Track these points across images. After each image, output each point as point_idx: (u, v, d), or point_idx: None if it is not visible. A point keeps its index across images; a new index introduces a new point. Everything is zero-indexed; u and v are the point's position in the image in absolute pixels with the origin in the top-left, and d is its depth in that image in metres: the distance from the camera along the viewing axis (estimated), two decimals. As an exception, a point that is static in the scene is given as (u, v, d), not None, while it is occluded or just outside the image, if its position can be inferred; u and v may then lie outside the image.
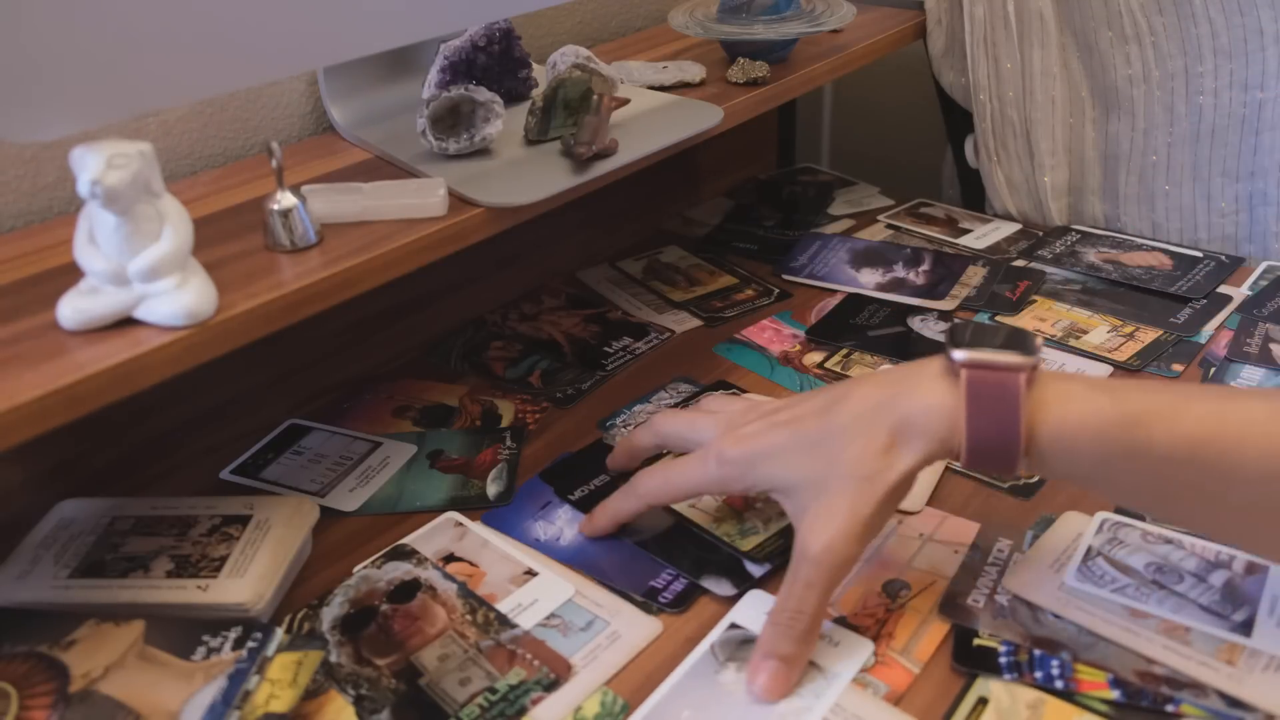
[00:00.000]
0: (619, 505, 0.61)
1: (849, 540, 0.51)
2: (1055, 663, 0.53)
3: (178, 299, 0.51)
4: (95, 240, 0.52)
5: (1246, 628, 0.53)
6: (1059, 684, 0.52)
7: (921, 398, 0.51)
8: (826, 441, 0.53)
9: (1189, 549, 0.58)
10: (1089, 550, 0.59)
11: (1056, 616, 0.55)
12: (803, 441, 0.53)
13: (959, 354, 0.50)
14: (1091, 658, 0.53)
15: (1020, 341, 0.51)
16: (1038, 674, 0.52)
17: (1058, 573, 0.58)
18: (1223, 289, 0.86)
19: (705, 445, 0.57)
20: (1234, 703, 0.50)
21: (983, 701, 0.51)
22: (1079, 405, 0.49)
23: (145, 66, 0.47)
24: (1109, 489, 0.53)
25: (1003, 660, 0.53)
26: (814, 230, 1.02)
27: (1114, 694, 0.51)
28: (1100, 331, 0.81)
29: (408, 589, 0.59)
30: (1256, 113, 0.86)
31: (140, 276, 0.51)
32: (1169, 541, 0.59)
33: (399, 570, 0.60)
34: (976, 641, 0.54)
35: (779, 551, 0.60)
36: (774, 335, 0.84)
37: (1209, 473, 0.47)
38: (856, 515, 0.51)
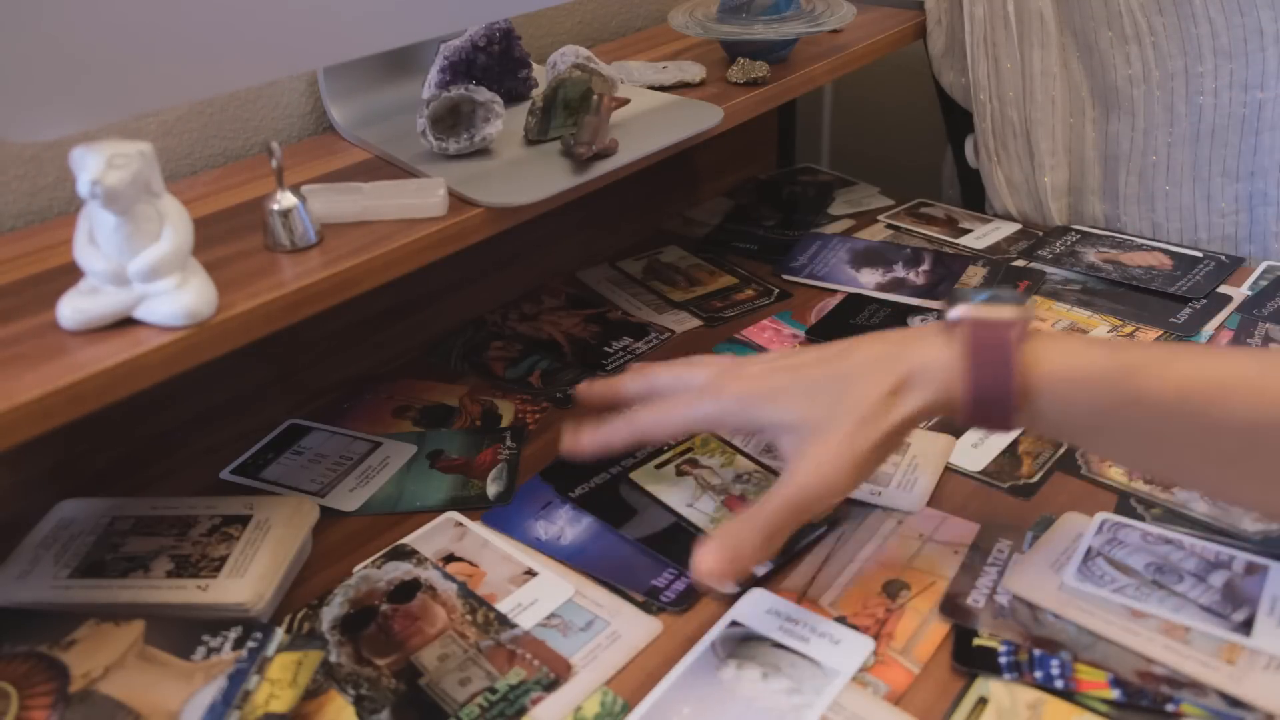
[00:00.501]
0: (610, 432, 0.60)
1: (840, 471, 0.52)
2: (1055, 662, 0.53)
3: (178, 299, 0.51)
4: (95, 240, 0.52)
5: (1246, 627, 0.53)
6: (1059, 684, 0.52)
7: (924, 351, 0.53)
8: (830, 385, 0.54)
9: (1189, 549, 0.58)
10: (1089, 550, 0.59)
11: (1056, 617, 0.55)
12: (806, 384, 0.55)
13: (956, 311, 0.52)
14: (1091, 657, 0.53)
15: (1014, 300, 0.53)
16: (1038, 674, 0.52)
17: (1058, 573, 0.57)
18: (1223, 289, 0.86)
19: (703, 385, 0.58)
20: (1234, 702, 0.50)
21: (983, 701, 0.51)
22: (1074, 358, 0.51)
23: (145, 66, 0.47)
24: (1102, 442, 0.55)
25: (1003, 660, 0.53)
26: (814, 230, 1.02)
27: (1114, 693, 0.51)
28: (1100, 331, 0.81)
29: (408, 589, 0.59)
30: (1256, 113, 0.86)
31: (140, 276, 0.51)
32: (1169, 542, 0.59)
33: (399, 570, 0.60)
34: (976, 641, 0.54)
35: (775, 554, 0.60)
36: (774, 335, 0.84)
37: (1199, 421, 0.48)
38: (854, 449, 0.52)
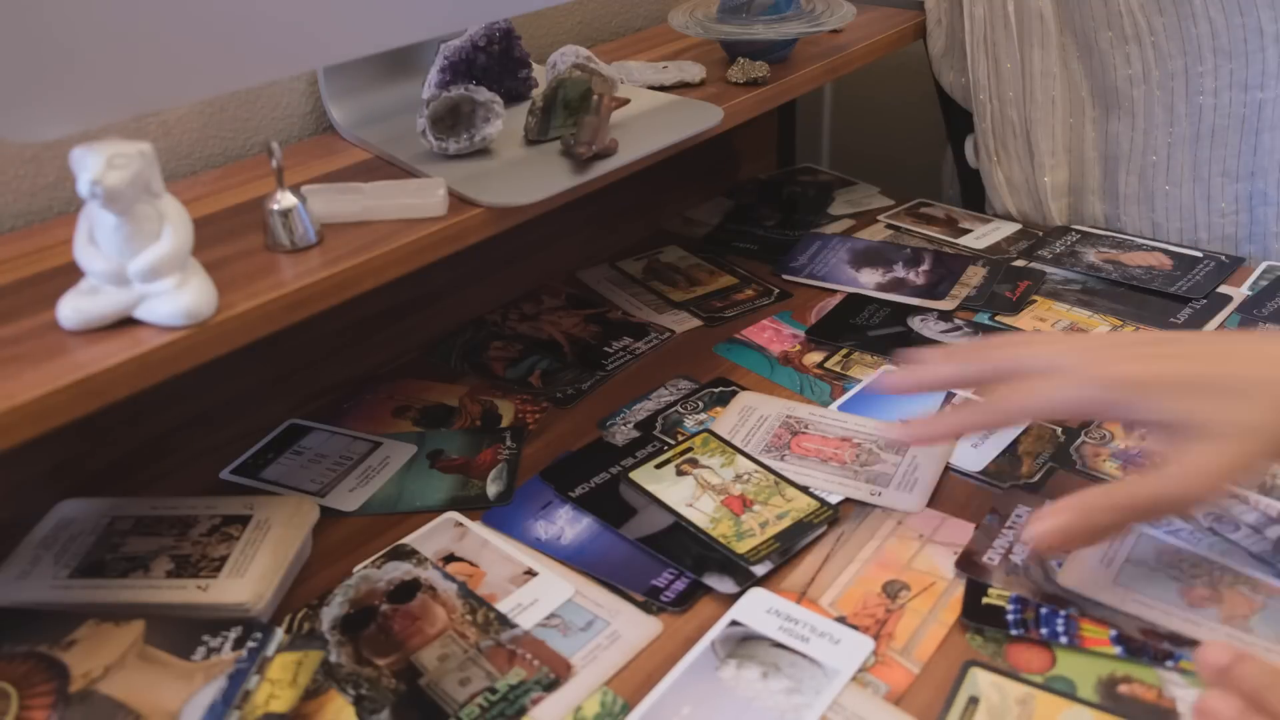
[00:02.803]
0: (965, 418, 0.55)
1: (1216, 483, 0.49)
2: (1060, 619, 0.54)
3: (178, 299, 0.51)
4: (95, 240, 0.52)
5: None
6: (1063, 639, 0.53)
7: None
8: (1240, 389, 0.50)
9: (1252, 504, 0.60)
10: None
11: (1114, 610, 0.55)
12: (1208, 382, 0.50)
13: None
14: (1097, 615, 0.54)
15: None
16: (1043, 630, 0.54)
17: (1108, 567, 0.58)
18: (1223, 289, 0.86)
19: (1074, 368, 0.53)
20: None
21: (974, 701, 0.51)
22: None
23: (145, 66, 0.47)
24: None
25: (1010, 618, 0.55)
26: (814, 230, 1.02)
27: (1115, 650, 0.53)
28: (1100, 331, 0.81)
29: (408, 589, 0.59)
30: (1256, 113, 0.86)
31: (140, 276, 0.51)
32: (1232, 496, 0.60)
33: (399, 570, 0.60)
34: (985, 600, 0.56)
35: (775, 554, 0.60)
36: (774, 335, 0.84)
37: None
38: (1243, 468, 0.49)
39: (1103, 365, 0.52)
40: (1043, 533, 0.51)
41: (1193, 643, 0.52)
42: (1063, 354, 0.54)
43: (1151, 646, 0.52)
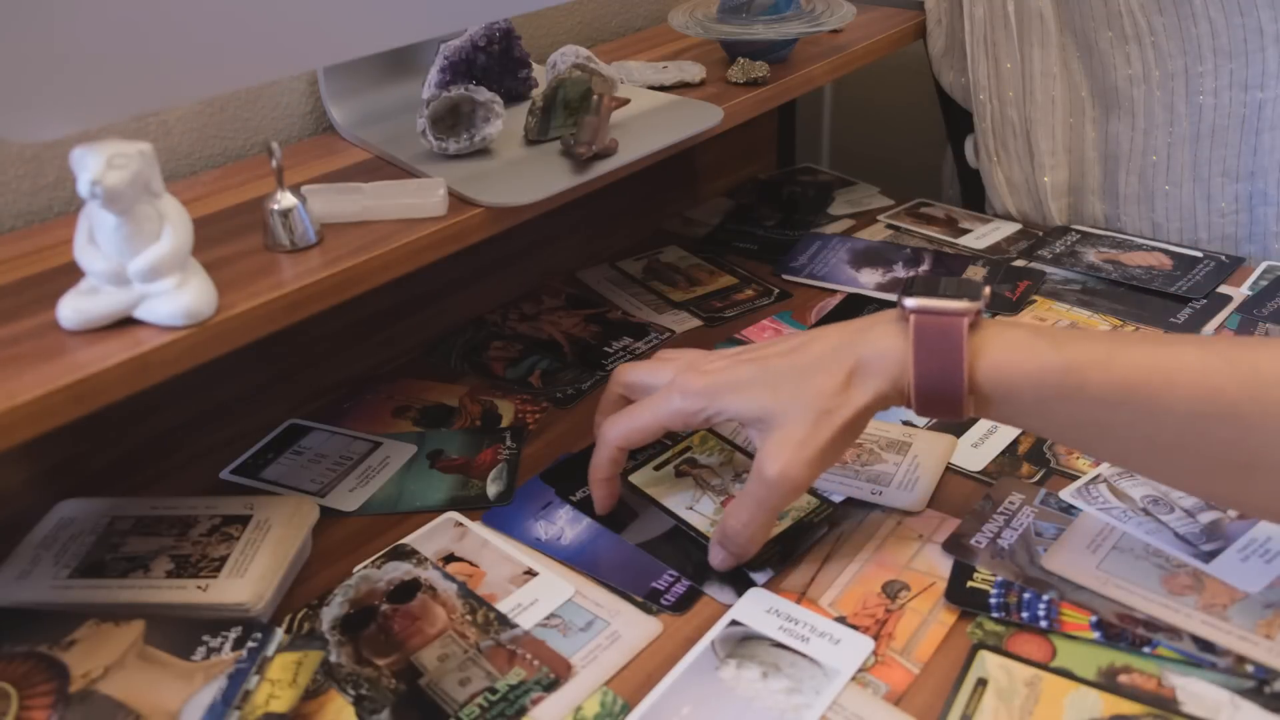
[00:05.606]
0: (596, 463, 0.62)
1: (804, 465, 0.54)
2: (1041, 605, 0.55)
3: (178, 299, 0.51)
4: (95, 240, 0.52)
5: (1208, 558, 0.56)
6: (1043, 623, 0.54)
7: (874, 342, 0.55)
8: (790, 377, 0.56)
9: None
10: (1096, 476, 0.64)
11: (1094, 594, 0.56)
12: (767, 376, 0.56)
13: (909, 301, 0.54)
14: (1077, 599, 0.55)
15: (966, 289, 0.54)
16: (1024, 614, 0.55)
17: (1093, 553, 0.59)
18: (1223, 289, 0.86)
19: (669, 381, 0.59)
20: (1205, 646, 0.52)
21: (982, 683, 0.52)
22: (1018, 351, 0.52)
23: (145, 66, 0.47)
24: (1048, 429, 0.57)
25: (992, 600, 0.56)
26: (814, 230, 1.02)
27: (1094, 635, 0.54)
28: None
29: (408, 589, 0.59)
30: (1256, 113, 0.86)
31: (140, 276, 0.51)
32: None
33: (399, 570, 0.60)
34: (970, 584, 0.57)
35: (775, 559, 0.60)
36: (774, 335, 0.84)
37: (1140, 414, 0.50)
38: (813, 443, 0.54)
39: (687, 380, 0.58)
40: (720, 567, 0.59)
41: (1169, 629, 0.53)
42: (664, 372, 0.61)
43: (1129, 632, 0.53)
